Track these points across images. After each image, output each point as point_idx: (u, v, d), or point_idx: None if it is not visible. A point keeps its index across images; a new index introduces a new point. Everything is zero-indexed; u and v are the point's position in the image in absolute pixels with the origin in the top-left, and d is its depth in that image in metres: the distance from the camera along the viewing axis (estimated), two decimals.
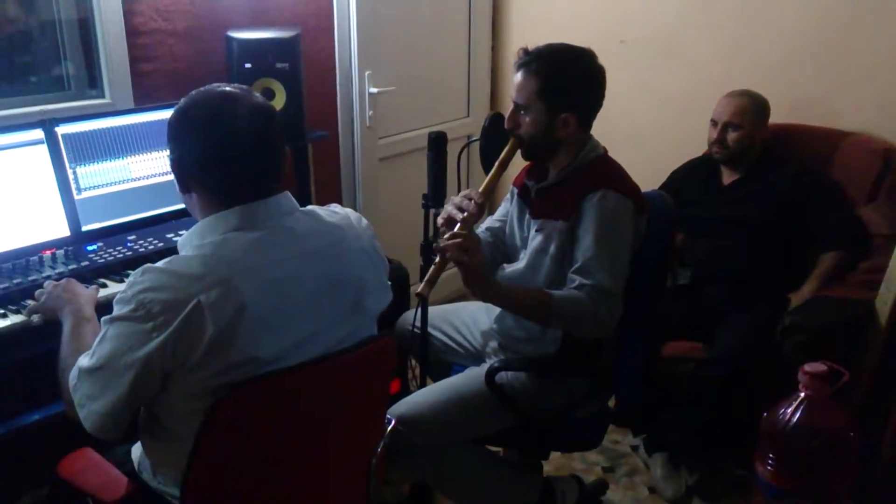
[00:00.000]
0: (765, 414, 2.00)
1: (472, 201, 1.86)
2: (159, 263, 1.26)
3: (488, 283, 1.80)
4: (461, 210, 1.86)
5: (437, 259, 1.75)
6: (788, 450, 1.95)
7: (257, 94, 1.37)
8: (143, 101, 2.45)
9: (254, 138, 1.31)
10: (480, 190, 1.90)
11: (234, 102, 1.32)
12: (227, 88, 1.35)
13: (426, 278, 1.74)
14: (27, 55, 2.46)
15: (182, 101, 1.35)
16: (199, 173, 1.34)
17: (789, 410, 1.94)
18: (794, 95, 2.83)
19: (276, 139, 1.36)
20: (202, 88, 1.36)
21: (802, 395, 1.93)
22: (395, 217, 3.25)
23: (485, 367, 1.93)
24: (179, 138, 1.34)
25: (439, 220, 1.91)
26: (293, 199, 1.40)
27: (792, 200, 2.54)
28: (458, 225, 1.82)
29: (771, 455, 1.98)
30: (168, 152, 1.36)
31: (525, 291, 1.87)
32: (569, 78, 1.86)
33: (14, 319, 1.71)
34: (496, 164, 1.95)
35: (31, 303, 1.74)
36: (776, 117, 2.69)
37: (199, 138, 1.32)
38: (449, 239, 1.76)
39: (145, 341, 1.21)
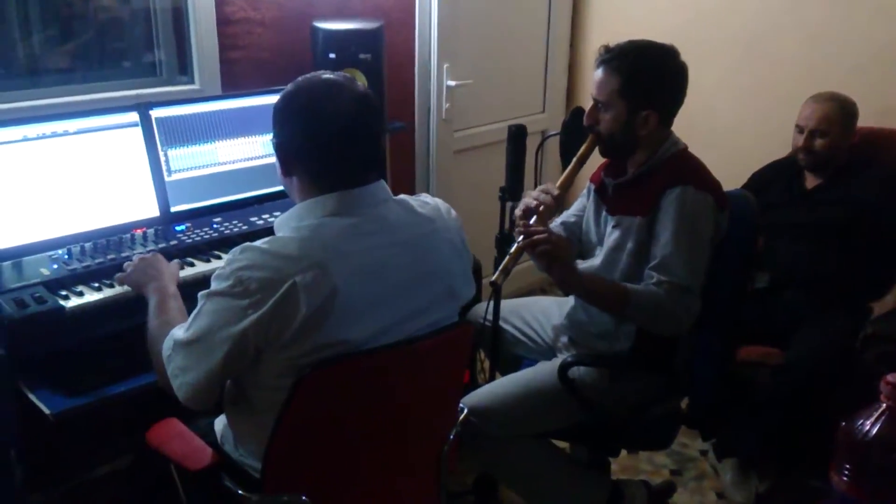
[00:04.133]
0: (843, 423, 1.95)
1: (549, 195, 1.87)
2: (258, 242, 1.30)
3: (570, 271, 1.80)
4: (538, 203, 1.86)
5: (513, 249, 1.76)
6: (866, 462, 1.88)
7: (360, 83, 1.40)
8: (230, 88, 2.52)
9: (355, 126, 1.34)
10: (558, 184, 1.90)
11: (338, 90, 1.35)
12: (331, 76, 1.39)
13: (500, 267, 1.74)
14: (121, 41, 2.56)
15: (288, 86, 1.39)
16: (300, 157, 1.38)
17: (869, 422, 1.86)
18: (882, 98, 2.73)
19: (376, 128, 1.39)
20: (307, 75, 1.40)
21: (884, 406, 1.86)
22: (468, 210, 3.22)
23: (557, 361, 1.93)
24: (283, 123, 1.38)
25: (517, 212, 1.92)
26: (388, 188, 1.43)
27: (878, 207, 2.45)
28: (535, 217, 1.83)
29: (847, 466, 1.92)
30: (272, 136, 1.41)
31: (604, 282, 1.86)
32: (650, 76, 1.84)
33: (107, 293, 1.78)
34: (574, 159, 1.95)
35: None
36: (864, 121, 2.59)
37: (302, 124, 1.35)
38: (526, 230, 1.77)
39: (241, 317, 1.25)
